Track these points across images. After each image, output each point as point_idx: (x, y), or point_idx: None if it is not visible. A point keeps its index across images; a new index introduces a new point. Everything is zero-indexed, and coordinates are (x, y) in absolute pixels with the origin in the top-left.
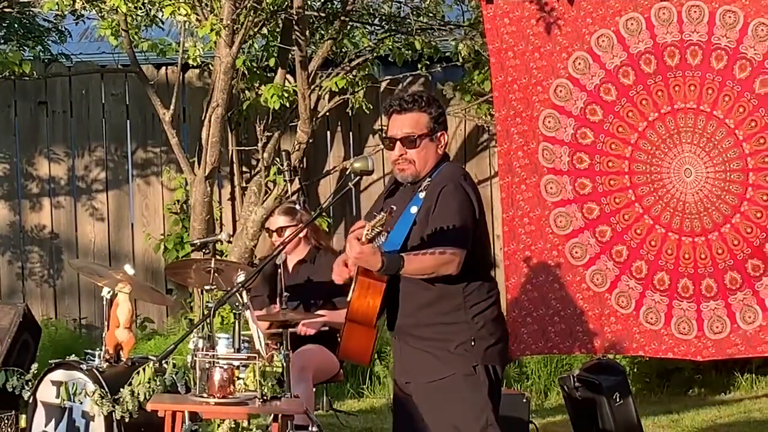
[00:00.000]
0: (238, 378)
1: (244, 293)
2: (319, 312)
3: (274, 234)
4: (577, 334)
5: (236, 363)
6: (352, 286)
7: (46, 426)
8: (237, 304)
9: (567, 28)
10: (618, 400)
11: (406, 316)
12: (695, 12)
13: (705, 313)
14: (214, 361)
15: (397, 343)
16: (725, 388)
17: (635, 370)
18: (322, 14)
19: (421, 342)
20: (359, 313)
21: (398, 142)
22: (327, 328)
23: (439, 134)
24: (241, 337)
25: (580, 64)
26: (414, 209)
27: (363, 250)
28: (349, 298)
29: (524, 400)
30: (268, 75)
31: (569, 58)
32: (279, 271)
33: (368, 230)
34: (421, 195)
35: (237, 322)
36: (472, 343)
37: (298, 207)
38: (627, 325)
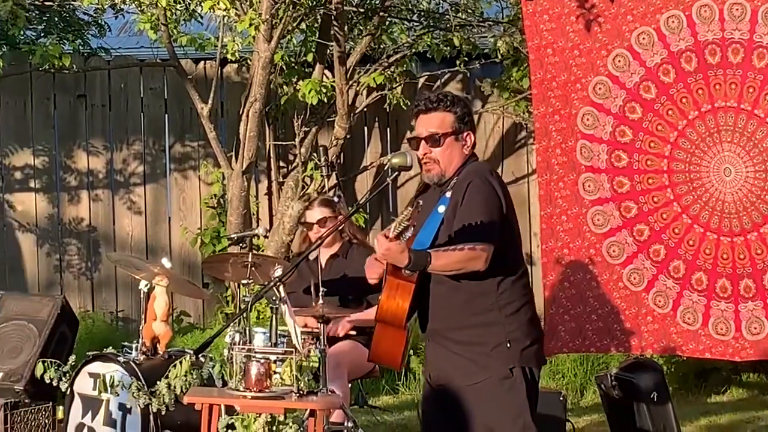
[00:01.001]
0: (275, 372)
1: (281, 287)
2: (350, 315)
3: (315, 226)
4: (614, 332)
5: (273, 357)
6: (382, 287)
7: (83, 418)
8: (274, 298)
9: (607, 25)
10: (655, 399)
11: (439, 318)
12: (737, 10)
13: (743, 314)
14: (251, 355)
15: (429, 344)
16: (763, 388)
17: (672, 369)
18: (361, 10)
19: (455, 345)
20: (388, 313)
21: (423, 142)
22: (354, 333)
23: (465, 134)
24: (278, 332)
25: (620, 61)
26: (441, 209)
27: (390, 246)
28: (378, 299)
29: (561, 399)
30: (306, 70)
31: (609, 55)
32: (316, 265)
33: (395, 225)
34: (448, 194)
35: (274, 316)
36: (508, 345)
37: (336, 199)
38: (664, 324)
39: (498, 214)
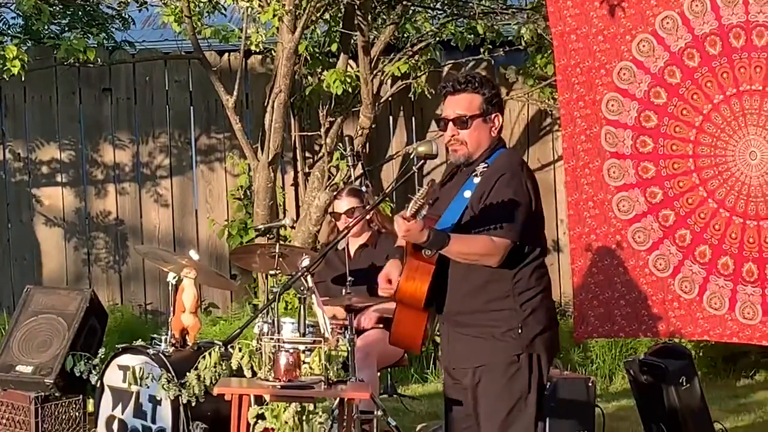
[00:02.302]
0: (304, 362)
1: (309, 277)
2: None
3: (343, 216)
4: (642, 317)
5: (302, 347)
6: (402, 268)
7: (113, 410)
8: (302, 288)
9: (631, 10)
10: (684, 384)
11: (454, 301)
12: None
13: None
14: (280, 345)
15: (444, 328)
16: None
17: (700, 354)
18: None
19: (467, 328)
20: (407, 295)
21: (450, 123)
22: (381, 325)
23: (492, 116)
24: (306, 322)
25: (644, 46)
26: (467, 193)
27: (410, 226)
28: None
29: (590, 384)
30: (331, 60)
31: (633, 40)
32: (344, 255)
33: (412, 204)
34: (476, 180)
35: (302, 306)
36: (519, 331)
37: (363, 189)
38: (690, 310)
39: (524, 212)
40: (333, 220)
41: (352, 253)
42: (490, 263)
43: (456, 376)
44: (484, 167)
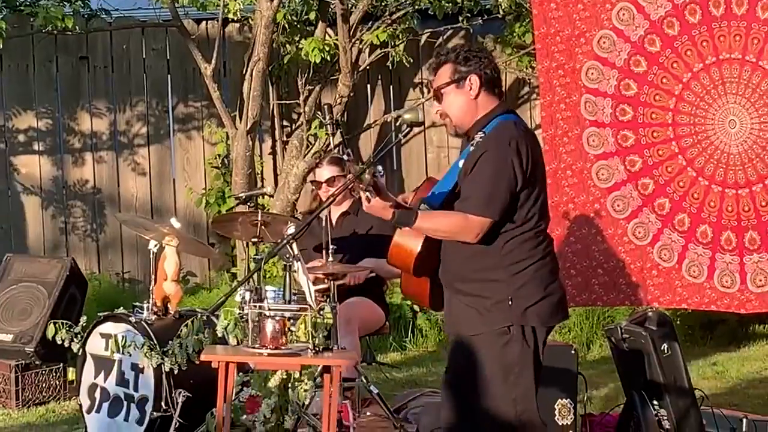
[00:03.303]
0: (290, 330)
1: (294, 245)
2: (365, 261)
3: (324, 185)
4: (620, 286)
5: (287, 314)
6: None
7: (95, 378)
8: (287, 255)
9: None
10: (666, 351)
11: (450, 268)
12: None
13: (748, 266)
14: (265, 313)
15: (445, 292)
16: None
17: (678, 322)
18: None
19: (462, 296)
20: (399, 258)
21: (434, 101)
22: (374, 274)
23: (466, 79)
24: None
25: (624, 14)
26: (461, 163)
27: (373, 203)
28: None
29: (572, 352)
30: (309, 29)
31: (613, 9)
32: (324, 223)
33: (362, 194)
34: (471, 150)
35: (287, 274)
36: (510, 302)
37: (345, 158)
38: (669, 278)
39: (505, 190)
40: (314, 188)
41: (334, 221)
42: (466, 239)
43: (455, 338)
44: (480, 136)
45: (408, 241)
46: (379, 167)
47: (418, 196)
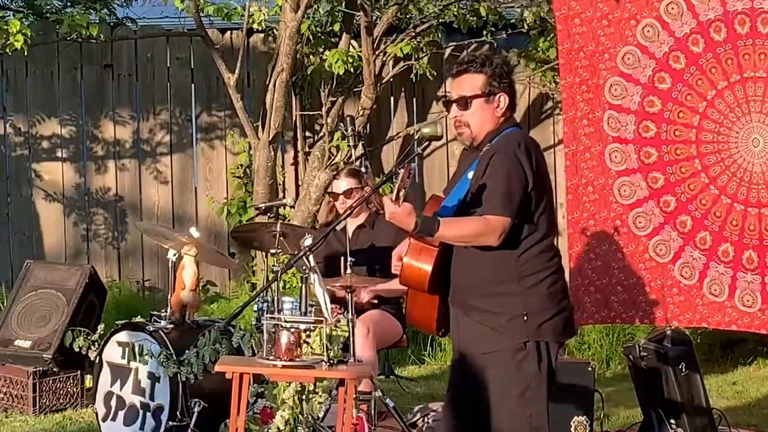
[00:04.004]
0: (305, 342)
1: (311, 257)
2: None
3: (341, 196)
4: (639, 304)
5: (303, 326)
6: (406, 251)
7: (111, 386)
8: (304, 267)
9: None
10: (684, 370)
11: (461, 285)
12: None
13: None
14: (281, 324)
15: (453, 310)
16: None
17: (698, 340)
18: None
19: (474, 313)
20: (411, 278)
21: (454, 105)
22: (376, 300)
23: (497, 95)
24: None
25: (648, 31)
26: (471, 174)
27: (396, 210)
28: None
29: (589, 369)
30: (333, 40)
31: (638, 25)
32: (343, 235)
33: (396, 192)
34: (480, 158)
35: (304, 285)
36: (525, 318)
37: (363, 170)
38: (690, 296)
39: (519, 189)
40: (331, 199)
41: (350, 234)
42: (489, 242)
43: (463, 360)
44: (488, 146)
45: (420, 260)
46: (413, 164)
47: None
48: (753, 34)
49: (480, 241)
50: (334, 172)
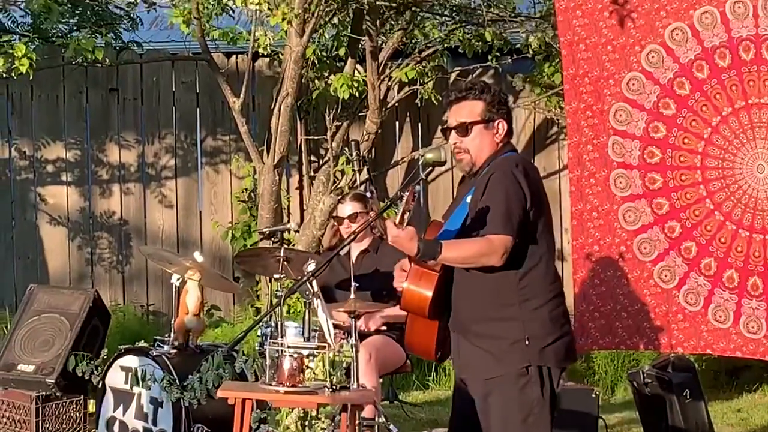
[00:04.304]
0: (308, 367)
1: (314, 282)
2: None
3: (346, 221)
4: (644, 330)
5: (305, 352)
6: (407, 276)
7: (114, 411)
8: (307, 292)
9: (641, 20)
10: (688, 397)
11: (461, 310)
12: None
13: None
14: (283, 350)
15: (454, 336)
16: None
17: (703, 367)
18: (393, 4)
19: (476, 338)
20: (412, 304)
21: (453, 132)
22: (385, 328)
23: (496, 122)
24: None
25: (653, 57)
26: (469, 198)
27: (398, 233)
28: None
29: (593, 395)
30: (338, 65)
31: (642, 51)
32: (347, 260)
33: (400, 214)
34: (478, 181)
35: (307, 311)
36: (527, 342)
37: (368, 195)
38: (695, 322)
39: (518, 207)
40: (335, 224)
41: (353, 259)
42: (492, 262)
43: (466, 384)
44: (486, 170)
45: (420, 285)
46: (418, 186)
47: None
48: (758, 60)
49: (483, 261)
50: (339, 197)
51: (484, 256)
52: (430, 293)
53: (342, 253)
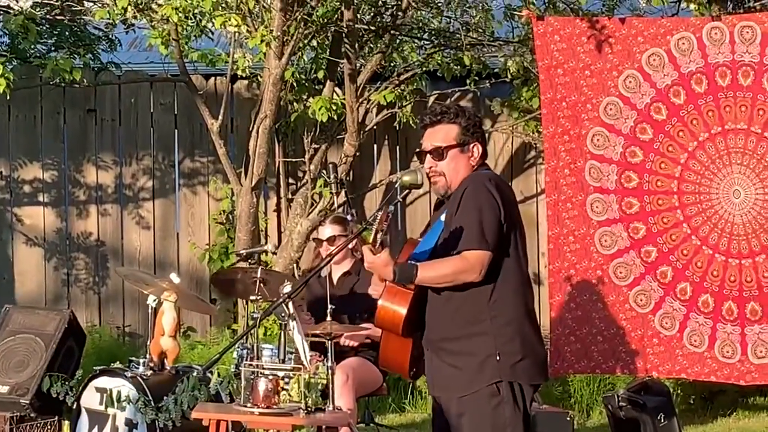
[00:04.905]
0: (283, 389)
1: (290, 304)
2: (363, 325)
3: (324, 243)
4: (619, 354)
5: (281, 374)
6: (381, 293)
7: None
8: (283, 314)
9: (618, 46)
10: (663, 420)
11: (434, 328)
12: (748, 32)
13: (749, 337)
14: (259, 372)
15: (427, 354)
16: None
17: (678, 391)
18: (372, 28)
19: (447, 356)
20: (386, 321)
21: (428, 155)
22: (369, 341)
23: (471, 145)
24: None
25: (630, 82)
26: (443, 217)
27: (374, 260)
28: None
29: (568, 419)
30: (317, 87)
31: (620, 76)
32: (327, 282)
33: (373, 235)
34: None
35: (283, 332)
36: (497, 358)
37: (349, 218)
38: (670, 347)
39: (493, 220)
40: (315, 245)
41: (335, 281)
42: (471, 279)
43: (441, 403)
44: (457, 189)
45: (395, 303)
46: (391, 207)
47: (401, 260)
48: (734, 86)
49: (461, 278)
50: (321, 219)
51: (461, 273)
52: (404, 311)
53: (323, 274)
